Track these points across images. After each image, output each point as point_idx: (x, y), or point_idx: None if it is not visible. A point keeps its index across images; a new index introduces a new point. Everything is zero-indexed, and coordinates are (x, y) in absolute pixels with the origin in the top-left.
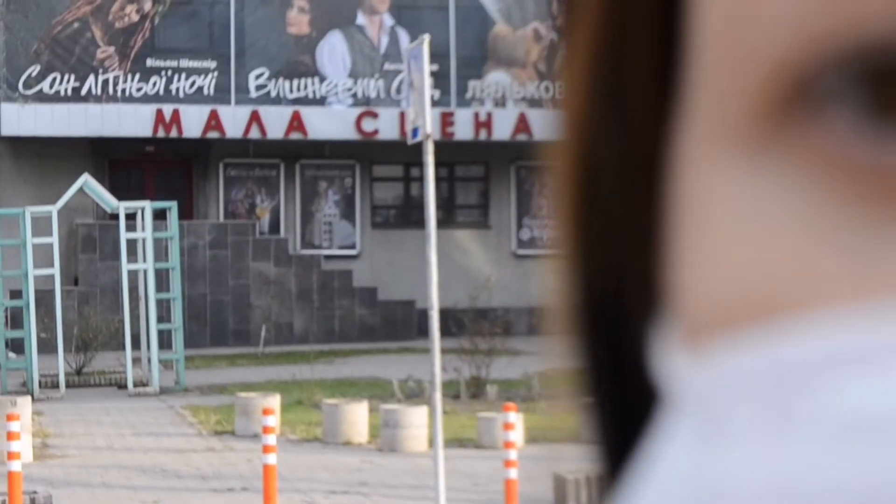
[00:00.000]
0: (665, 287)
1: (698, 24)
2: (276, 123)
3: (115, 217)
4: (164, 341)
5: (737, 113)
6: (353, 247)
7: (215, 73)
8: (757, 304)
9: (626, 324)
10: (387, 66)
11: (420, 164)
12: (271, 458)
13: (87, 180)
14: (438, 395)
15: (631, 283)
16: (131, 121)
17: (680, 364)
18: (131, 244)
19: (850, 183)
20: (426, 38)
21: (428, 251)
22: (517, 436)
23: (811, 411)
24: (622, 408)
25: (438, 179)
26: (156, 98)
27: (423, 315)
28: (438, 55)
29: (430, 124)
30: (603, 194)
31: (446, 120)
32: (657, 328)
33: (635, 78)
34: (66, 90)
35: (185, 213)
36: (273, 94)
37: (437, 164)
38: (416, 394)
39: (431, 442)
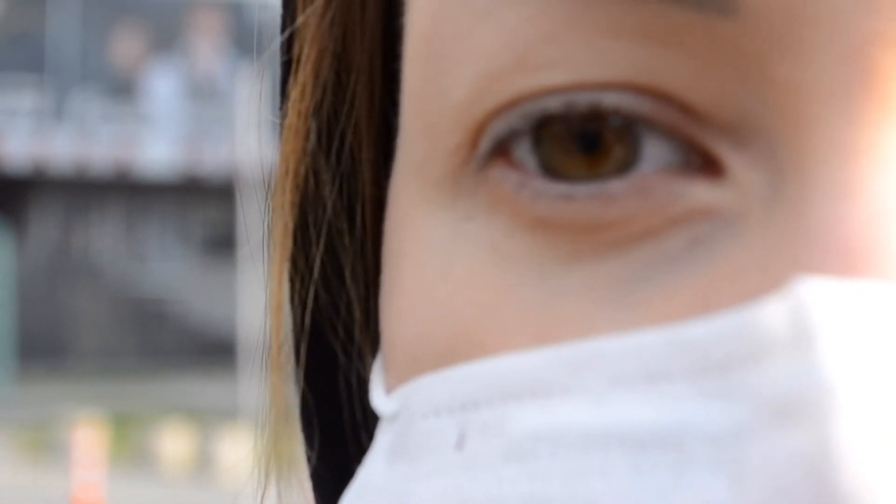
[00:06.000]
0: (381, 325)
1: (404, 92)
2: None
3: None
4: None
5: (433, 167)
6: None
7: None
8: (450, 342)
9: (350, 354)
10: None
11: None
12: None
13: None
14: None
15: (358, 317)
16: None
17: (387, 393)
18: None
19: (534, 234)
20: None
21: None
22: None
23: (480, 436)
24: (342, 431)
25: None
26: None
27: None
28: None
29: None
30: (324, 239)
31: None
32: (377, 360)
33: (356, 139)
34: None
35: None
36: None
37: None
38: None
39: None
